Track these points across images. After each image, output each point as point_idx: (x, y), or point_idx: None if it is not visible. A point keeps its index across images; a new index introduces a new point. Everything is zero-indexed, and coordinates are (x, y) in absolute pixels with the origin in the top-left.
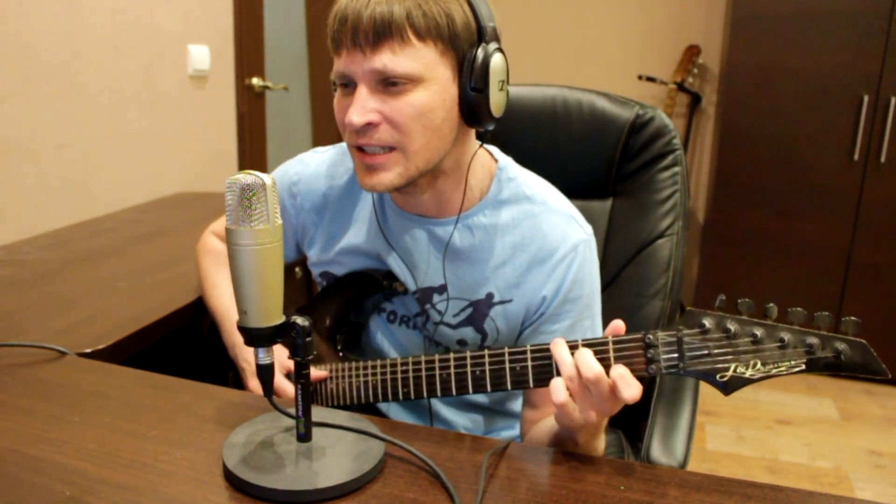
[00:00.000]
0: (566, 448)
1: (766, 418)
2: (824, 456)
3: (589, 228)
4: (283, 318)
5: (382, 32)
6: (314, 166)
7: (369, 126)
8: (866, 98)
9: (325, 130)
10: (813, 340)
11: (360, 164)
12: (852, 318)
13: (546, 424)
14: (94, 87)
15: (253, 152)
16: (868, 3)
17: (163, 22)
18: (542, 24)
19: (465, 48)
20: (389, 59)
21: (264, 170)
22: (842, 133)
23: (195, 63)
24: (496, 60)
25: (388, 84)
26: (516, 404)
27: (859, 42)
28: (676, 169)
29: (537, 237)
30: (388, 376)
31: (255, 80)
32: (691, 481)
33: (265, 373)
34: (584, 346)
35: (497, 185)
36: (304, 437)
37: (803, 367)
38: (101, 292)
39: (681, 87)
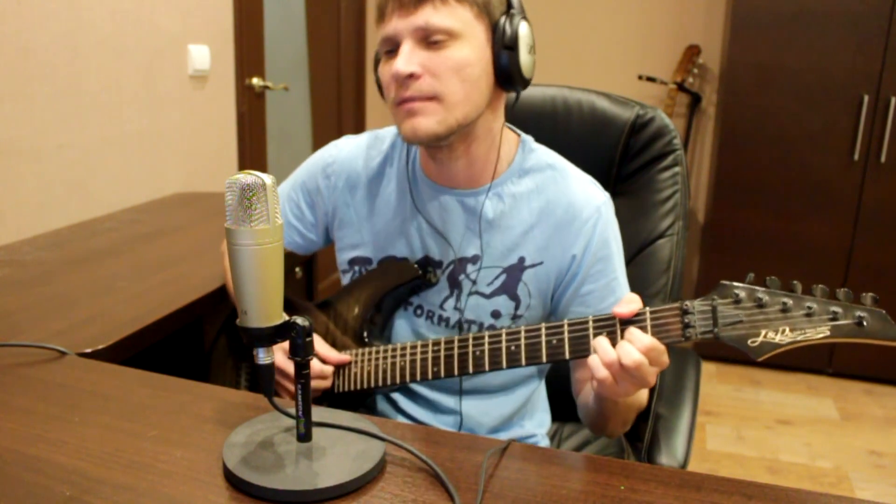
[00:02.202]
0: (608, 407)
1: (766, 418)
2: (824, 456)
3: (607, 193)
4: (283, 318)
5: None
6: (348, 149)
7: (412, 78)
8: (866, 98)
9: (325, 130)
10: (837, 309)
11: (402, 113)
12: (870, 294)
13: (589, 391)
14: (94, 87)
15: (253, 152)
16: (868, 3)
17: (163, 22)
18: (542, 24)
19: (497, 16)
20: (431, 14)
21: (264, 170)
22: (842, 133)
23: (195, 63)
24: (524, 27)
25: (430, 42)
26: (528, 401)
27: (859, 42)
28: (677, 169)
29: (562, 200)
30: (418, 357)
31: (255, 80)
32: (691, 481)
33: (265, 373)
34: (623, 323)
35: (521, 155)
36: (304, 437)
37: (828, 332)
38: (101, 292)
39: (681, 87)
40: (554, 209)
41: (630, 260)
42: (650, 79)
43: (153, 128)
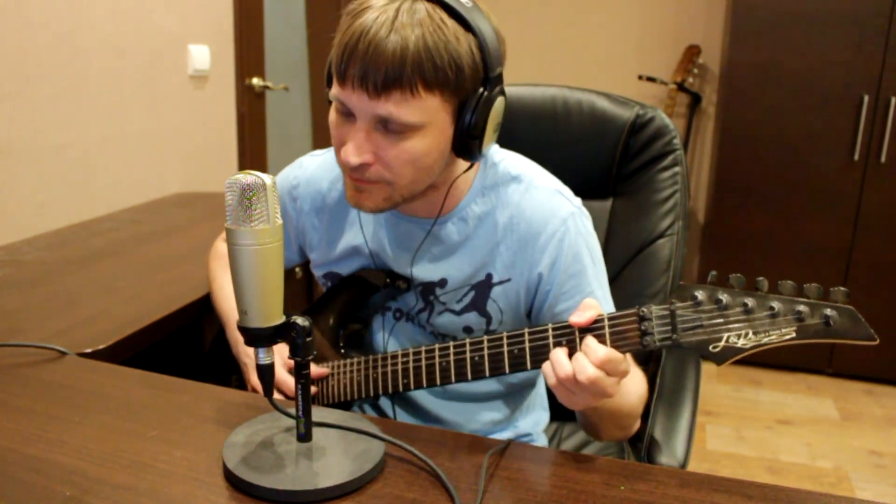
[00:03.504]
0: (589, 414)
1: (766, 418)
2: (824, 456)
3: (577, 201)
4: (283, 318)
5: (391, 82)
6: (312, 169)
7: (363, 165)
8: (866, 98)
9: (325, 130)
10: (802, 308)
11: (350, 183)
12: (841, 287)
13: None
14: (94, 87)
15: (253, 152)
16: (868, 3)
17: (163, 22)
18: (542, 24)
19: (469, 92)
20: (395, 108)
21: (264, 170)
22: (842, 133)
23: (195, 63)
24: (496, 105)
25: (388, 127)
26: (524, 399)
27: (859, 42)
28: (677, 169)
29: (525, 215)
30: (389, 369)
31: (255, 80)
32: (691, 481)
33: (265, 373)
34: (582, 331)
35: (482, 173)
36: (304, 437)
37: (793, 334)
38: (101, 292)
39: (681, 87)
40: (517, 224)
41: (630, 260)
42: (650, 79)
43: (153, 128)
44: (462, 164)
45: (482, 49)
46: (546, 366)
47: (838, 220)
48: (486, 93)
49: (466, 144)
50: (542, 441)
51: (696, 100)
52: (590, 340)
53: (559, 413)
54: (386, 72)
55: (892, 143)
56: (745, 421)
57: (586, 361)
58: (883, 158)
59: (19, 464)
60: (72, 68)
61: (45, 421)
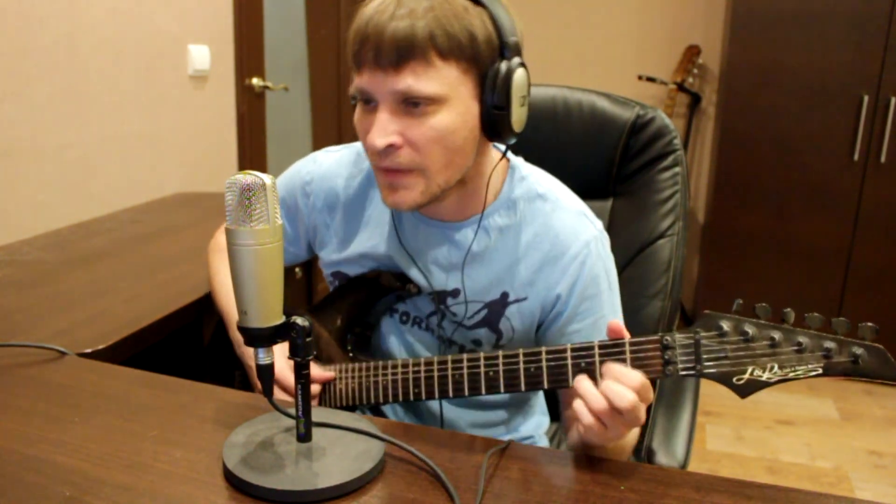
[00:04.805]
0: (595, 453)
1: (766, 418)
2: (824, 456)
3: (600, 224)
4: (283, 319)
5: (405, 53)
6: (326, 166)
7: (391, 148)
8: (866, 98)
9: (325, 130)
10: (831, 345)
11: (383, 182)
12: (869, 324)
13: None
14: (94, 87)
15: (253, 152)
16: (868, 3)
17: (163, 22)
18: (541, 24)
19: (488, 64)
20: (413, 81)
21: (264, 170)
22: (842, 133)
23: (195, 63)
24: (518, 76)
25: (411, 105)
26: (524, 405)
27: (859, 42)
28: (677, 169)
29: (550, 235)
30: (399, 377)
31: (255, 80)
32: (691, 481)
33: (265, 373)
34: (601, 351)
35: (510, 185)
36: (304, 437)
37: (820, 371)
38: (101, 292)
39: (681, 87)
40: (540, 243)
41: (630, 260)
42: (650, 79)
43: (153, 128)
44: (494, 155)
45: (494, 19)
46: (578, 404)
47: (838, 220)
48: (504, 62)
49: (494, 120)
50: (543, 443)
51: (695, 100)
52: (616, 366)
53: (559, 413)
54: (398, 44)
55: (891, 143)
56: (744, 421)
57: (623, 388)
58: (883, 158)
59: (19, 464)
60: (71, 68)
61: (45, 421)
